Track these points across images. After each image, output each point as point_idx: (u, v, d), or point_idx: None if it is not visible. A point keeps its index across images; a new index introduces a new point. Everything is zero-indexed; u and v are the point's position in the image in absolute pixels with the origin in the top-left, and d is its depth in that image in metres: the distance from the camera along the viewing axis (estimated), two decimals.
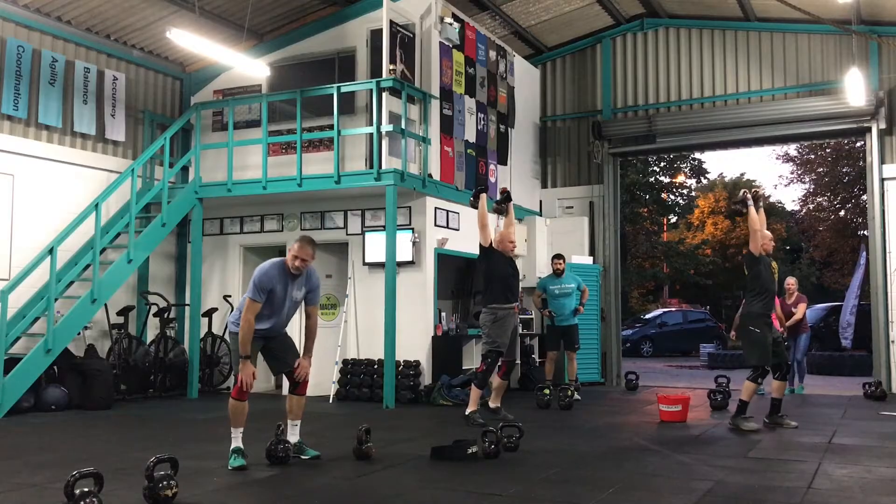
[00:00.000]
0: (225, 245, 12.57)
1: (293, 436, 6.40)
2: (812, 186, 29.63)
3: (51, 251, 9.77)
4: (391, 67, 10.74)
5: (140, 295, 12.06)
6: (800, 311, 11.86)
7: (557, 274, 11.33)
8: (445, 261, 11.70)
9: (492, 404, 8.92)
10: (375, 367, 10.98)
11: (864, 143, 13.46)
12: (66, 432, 8.30)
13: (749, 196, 8.41)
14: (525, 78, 14.51)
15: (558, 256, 11.56)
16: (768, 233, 8.52)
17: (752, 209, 8.31)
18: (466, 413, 8.56)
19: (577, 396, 10.56)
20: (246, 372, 5.96)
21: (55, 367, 10.03)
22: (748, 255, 8.45)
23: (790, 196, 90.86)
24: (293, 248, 6.13)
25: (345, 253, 11.78)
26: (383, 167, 10.57)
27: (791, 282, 12.21)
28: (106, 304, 10.84)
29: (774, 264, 8.78)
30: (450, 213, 11.82)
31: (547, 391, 10.44)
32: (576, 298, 11.24)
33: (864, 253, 17.56)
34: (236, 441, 6.08)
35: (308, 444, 6.44)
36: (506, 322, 8.64)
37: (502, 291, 8.67)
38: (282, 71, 12.25)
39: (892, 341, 12.32)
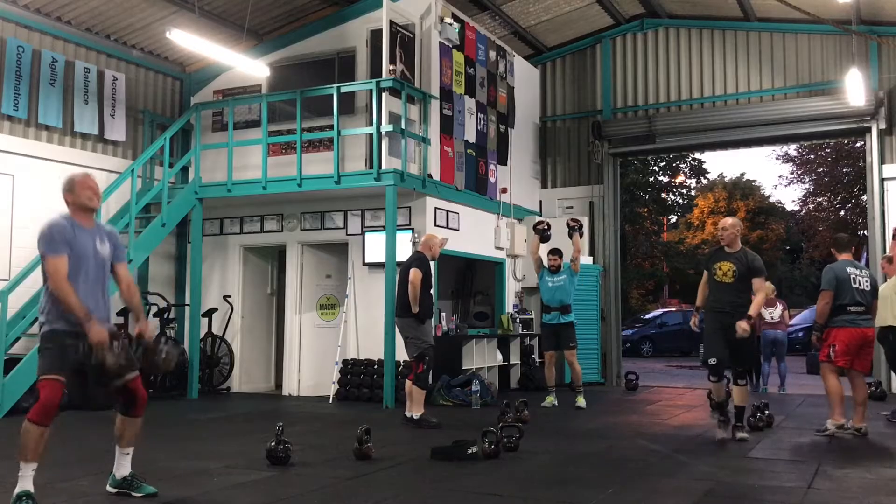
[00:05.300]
0: (225, 245, 12.57)
1: (123, 468, 5.06)
2: (812, 186, 29.68)
3: None
4: (391, 67, 10.74)
5: (140, 295, 12.04)
6: None
7: (553, 270, 10.48)
8: (445, 261, 11.68)
9: (412, 413, 8.41)
10: (375, 367, 10.97)
11: (864, 143, 13.47)
12: (66, 432, 8.28)
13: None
14: (525, 78, 14.50)
15: (555, 252, 10.57)
16: None
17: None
18: (416, 418, 8.25)
19: (580, 403, 10.03)
20: (100, 333, 4.85)
21: None
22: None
23: (790, 196, 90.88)
24: (76, 182, 4.87)
25: (345, 253, 11.77)
26: (383, 167, 10.57)
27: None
28: None
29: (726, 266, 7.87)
30: (450, 214, 11.82)
31: (550, 398, 10.23)
32: (567, 290, 10.34)
33: (865, 255, 17.54)
34: (26, 481, 4.61)
35: (142, 478, 5.13)
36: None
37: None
38: (282, 71, 12.24)
39: None
